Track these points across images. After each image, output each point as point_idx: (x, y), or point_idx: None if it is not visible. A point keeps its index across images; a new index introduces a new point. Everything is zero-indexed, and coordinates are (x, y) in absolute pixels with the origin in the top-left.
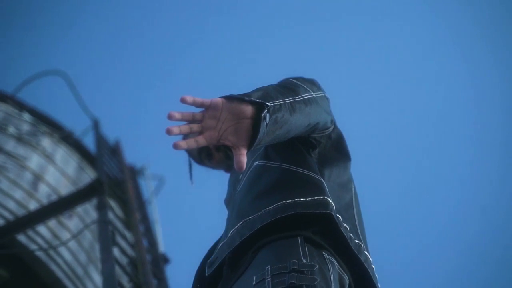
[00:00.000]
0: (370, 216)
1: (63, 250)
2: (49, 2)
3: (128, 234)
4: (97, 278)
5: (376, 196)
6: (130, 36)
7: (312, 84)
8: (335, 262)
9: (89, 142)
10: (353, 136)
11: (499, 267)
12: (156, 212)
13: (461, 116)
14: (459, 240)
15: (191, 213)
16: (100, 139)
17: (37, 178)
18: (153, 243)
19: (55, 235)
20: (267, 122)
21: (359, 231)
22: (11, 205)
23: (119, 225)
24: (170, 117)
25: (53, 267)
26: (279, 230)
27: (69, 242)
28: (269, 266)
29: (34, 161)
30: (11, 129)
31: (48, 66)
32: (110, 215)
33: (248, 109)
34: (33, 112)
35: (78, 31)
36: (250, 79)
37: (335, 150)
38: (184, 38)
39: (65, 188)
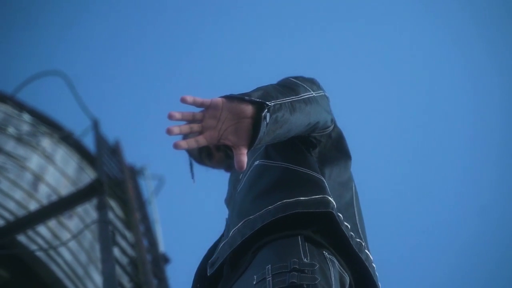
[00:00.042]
0: (369, 216)
1: (63, 250)
2: (48, 3)
3: (128, 234)
4: (98, 278)
5: (375, 195)
6: (130, 36)
7: (312, 83)
8: (335, 261)
9: (89, 142)
10: (352, 136)
11: (497, 266)
12: (156, 212)
13: (460, 115)
14: (458, 239)
15: (191, 213)
16: (100, 139)
17: (37, 178)
18: (153, 243)
19: (55, 235)
20: (268, 121)
21: (359, 229)
22: (11, 205)
23: (119, 225)
24: (170, 117)
25: (54, 267)
26: (280, 229)
27: (69, 242)
28: (269, 265)
29: (34, 161)
30: (11, 130)
31: (48, 66)
32: (110, 215)
33: (248, 109)
34: (33, 113)
35: (78, 31)
36: (250, 79)
37: (335, 149)
38: (184, 38)
39: (65, 188)
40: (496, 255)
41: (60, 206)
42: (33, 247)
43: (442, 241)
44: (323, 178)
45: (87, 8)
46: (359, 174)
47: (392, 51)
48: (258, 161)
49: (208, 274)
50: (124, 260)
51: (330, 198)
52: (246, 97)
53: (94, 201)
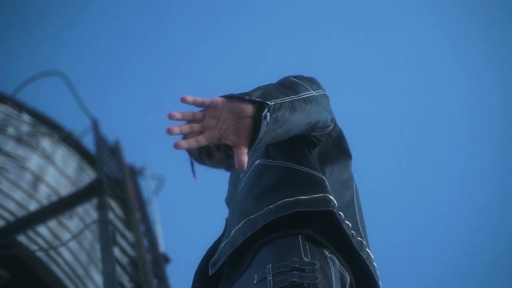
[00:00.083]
0: (368, 215)
1: (63, 251)
2: (47, 3)
3: (128, 234)
4: (98, 278)
5: (374, 195)
6: (129, 36)
7: (312, 82)
8: (336, 260)
9: (89, 143)
10: (351, 136)
11: (496, 266)
12: (156, 211)
13: (458, 115)
14: (457, 239)
15: (191, 212)
16: (99, 139)
17: (37, 178)
18: (153, 242)
19: (56, 236)
20: (268, 121)
21: (360, 228)
22: (11, 206)
23: (119, 225)
24: (170, 116)
25: (54, 267)
26: (281, 228)
27: (69, 243)
28: (270, 264)
29: (34, 161)
30: (11, 130)
31: (47, 67)
32: (110, 215)
33: (249, 108)
34: (33, 113)
35: (77, 31)
36: (250, 79)
37: (335, 148)
38: (183, 38)
39: (65, 189)
40: (494, 255)
41: (60, 206)
42: (34, 247)
43: (441, 241)
44: (324, 177)
45: (86, 8)
46: (358, 174)
47: (390, 52)
48: (258, 161)
49: (210, 274)
50: (124, 260)
51: (331, 196)
52: (246, 97)
53: (94, 201)
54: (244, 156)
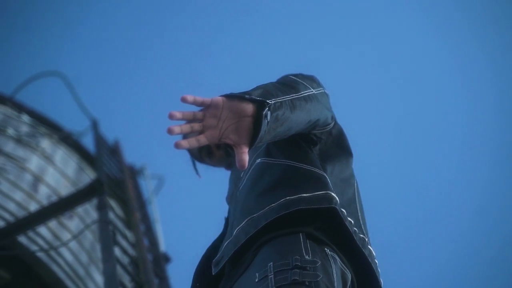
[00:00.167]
0: (367, 215)
1: (64, 251)
2: (47, 4)
3: (129, 234)
4: (99, 278)
5: (373, 195)
6: (129, 36)
7: (312, 80)
8: (337, 258)
9: (89, 143)
10: (350, 134)
11: (491, 268)
12: (156, 211)
13: (454, 116)
14: (453, 240)
15: (191, 211)
16: (99, 140)
17: (37, 179)
18: (154, 242)
19: (56, 236)
20: (268, 120)
21: (362, 225)
22: (12, 206)
23: (119, 224)
24: (171, 116)
25: (55, 267)
26: (282, 226)
27: (70, 243)
28: (271, 263)
29: (34, 162)
30: (10, 131)
31: (47, 67)
32: (111, 215)
33: (249, 107)
34: (32, 114)
35: (77, 32)
36: (250, 79)
37: (336, 146)
38: (183, 38)
39: (65, 189)
40: (491, 256)
41: (60, 207)
42: (34, 247)
43: (438, 242)
44: (325, 174)
45: (86, 8)
46: (357, 174)
47: (390, 51)
48: (259, 159)
49: (213, 273)
50: (125, 259)
51: (333, 193)
52: (247, 96)
53: (94, 201)
54: (245, 155)
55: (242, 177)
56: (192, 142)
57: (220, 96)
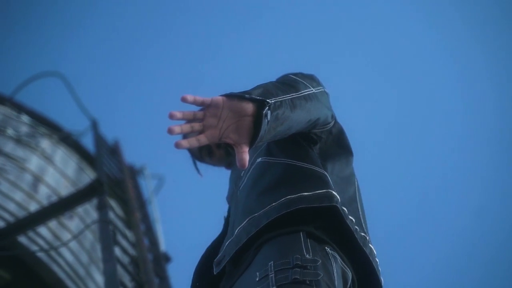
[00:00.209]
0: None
1: (64, 251)
2: (47, 4)
3: (129, 234)
4: (99, 278)
5: (372, 195)
6: (128, 36)
7: (312, 79)
8: (337, 257)
9: (88, 143)
10: (349, 134)
11: (490, 268)
12: (157, 211)
13: (453, 115)
14: (452, 240)
15: (191, 211)
16: (99, 140)
17: (37, 179)
18: (154, 242)
19: (56, 236)
20: (268, 119)
21: (363, 224)
22: (12, 206)
23: (119, 224)
24: (171, 116)
25: (55, 268)
26: (283, 225)
27: (70, 243)
28: (272, 262)
29: (34, 162)
30: (10, 131)
31: (46, 67)
32: (111, 215)
33: (249, 107)
34: (32, 114)
35: (76, 32)
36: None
37: (336, 145)
38: (183, 38)
39: (65, 189)
40: (490, 256)
41: (60, 207)
42: (34, 248)
43: (437, 242)
44: (326, 173)
45: (86, 9)
46: (357, 173)
47: (390, 51)
48: (260, 158)
49: (215, 273)
50: (125, 259)
51: (334, 192)
52: (247, 95)
53: (94, 201)
54: (245, 155)
55: (242, 177)
56: (193, 141)
57: (220, 95)
